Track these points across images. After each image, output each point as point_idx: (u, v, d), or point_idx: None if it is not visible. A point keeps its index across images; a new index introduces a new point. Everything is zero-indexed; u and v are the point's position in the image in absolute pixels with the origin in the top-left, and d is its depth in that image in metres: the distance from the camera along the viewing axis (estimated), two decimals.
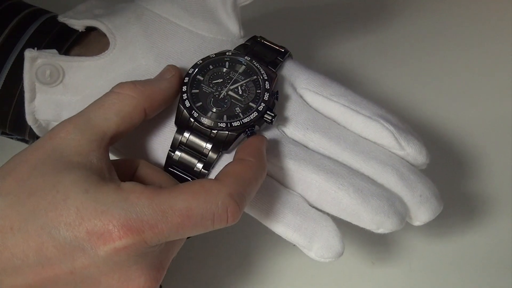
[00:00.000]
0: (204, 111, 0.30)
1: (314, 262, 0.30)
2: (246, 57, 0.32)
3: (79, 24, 0.34)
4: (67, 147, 0.26)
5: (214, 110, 0.30)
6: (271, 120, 0.30)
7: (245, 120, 0.30)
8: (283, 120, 0.32)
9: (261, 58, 0.32)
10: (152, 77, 0.31)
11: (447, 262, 0.40)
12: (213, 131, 0.30)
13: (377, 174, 0.31)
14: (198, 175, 0.30)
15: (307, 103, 0.33)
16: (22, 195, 0.24)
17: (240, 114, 0.30)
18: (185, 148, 0.30)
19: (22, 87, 0.33)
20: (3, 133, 0.36)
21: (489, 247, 0.41)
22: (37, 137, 0.35)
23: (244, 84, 0.31)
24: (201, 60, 0.31)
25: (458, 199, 0.43)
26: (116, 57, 0.33)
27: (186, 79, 0.31)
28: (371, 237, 0.37)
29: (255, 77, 0.31)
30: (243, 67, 0.31)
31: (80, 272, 0.24)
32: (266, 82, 0.31)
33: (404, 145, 0.31)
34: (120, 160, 0.29)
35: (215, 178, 0.27)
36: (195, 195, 0.25)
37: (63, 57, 0.32)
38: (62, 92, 0.33)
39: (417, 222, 0.32)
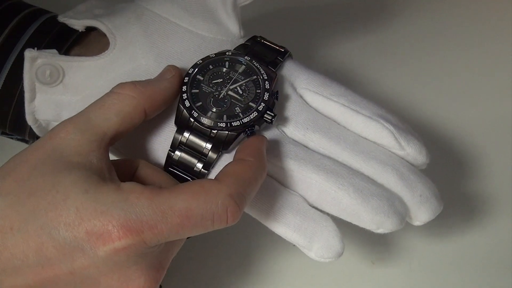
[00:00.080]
0: (204, 111, 0.30)
1: (314, 262, 0.30)
2: (246, 57, 0.32)
3: (79, 24, 0.34)
4: (67, 147, 0.26)
5: (214, 110, 0.30)
6: (271, 120, 0.30)
7: (245, 120, 0.30)
8: (283, 120, 0.32)
9: (261, 58, 0.32)
10: (152, 77, 0.31)
11: (447, 262, 0.40)
12: (213, 131, 0.30)
13: (377, 174, 0.31)
14: (198, 175, 0.30)
15: (307, 103, 0.33)
16: (22, 195, 0.24)
17: (240, 114, 0.30)
18: (185, 148, 0.30)
19: (22, 87, 0.33)
20: (3, 133, 0.36)
21: (489, 247, 0.41)
22: (37, 137, 0.35)
23: (244, 84, 0.31)
24: (201, 60, 0.31)
25: (458, 199, 0.43)
26: (116, 57, 0.33)
27: (186, 79, 0.31)
28: (371, 237, 0.37)
29: (255, 77, 0.31)
30: (243, 67, 0.31)
31: (80, 272, 0.24)
32: (266, 82, 0.31)
33: (404, 145, 0.31)
34: (120, 160, 0.29)
35: (215, 178, 0.26)
36: (195, 195, 0.25)
37: (63, 57, 0.32)
38: (62, 92, 0.33)
39: (417, 222, 0.32)
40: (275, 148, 0.31)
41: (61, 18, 0.34)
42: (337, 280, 0.39)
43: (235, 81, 0.31)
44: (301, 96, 0.33)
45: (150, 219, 0.24)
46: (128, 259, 0.24)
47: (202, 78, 0.31)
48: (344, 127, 0.32)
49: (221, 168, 0.27)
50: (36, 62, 0.32)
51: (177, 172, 0.30)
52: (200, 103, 0.30)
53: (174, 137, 0.30)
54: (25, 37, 0.34)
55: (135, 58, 0.33)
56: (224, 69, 0.31)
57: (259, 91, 0.31)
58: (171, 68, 0.31)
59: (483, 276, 0.40)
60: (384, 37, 0.52)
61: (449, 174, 0.44)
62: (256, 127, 0.30)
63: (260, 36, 0.34)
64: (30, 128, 0.34)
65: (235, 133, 0.30)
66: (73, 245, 0.23)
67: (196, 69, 0.31)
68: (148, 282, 0.25)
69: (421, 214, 0.31)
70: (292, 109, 0.32)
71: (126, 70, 0.32)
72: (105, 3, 0.37)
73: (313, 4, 0.54)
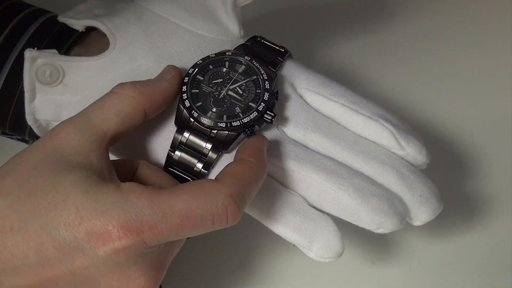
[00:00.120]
0: (204, 111, 0.30)
1: (314, 262, 0.30)
2: (246, 57, 0.32)
3: (79, 24, 0.34)
4: (67, 147, 0.26)
5: (214, 110, 0.30)
6: (271, 120, 0.30)
7: (245, 120, 0.30)
8: (283, 120, 0.32)
9: (261, 58, 0.32)
10: (152, 77, 0.31)
11: (447, 262, 0.40)
12: (213, 131, 0.30)
13: (377, 174, 0.31)
14: (198, 175, 0.30)
15: (307, 103, 0.33)
16: (22, 195, 0.24)
17: (240, 114, 0.30)
18: (185, 148, 0.30)
19: (22, 87, 0.33)
20: (3, 133, 0.36)
21: (489, 247, 0.41)
22: (37, 137, 0.35)
23: (244, 84, 0.31)
24: (201, 60, 0.31)
25: (458, 199, 0.43)
26: (116, 57, 0.33)
27: (186, 79, 0.31)
28: (371, 237, 0.37)
29: (255, 77, 0.31)
30: (243, 67, 0.31)
31: (80, 272, 0.24)
32: (266, 82, 0.31)
33: (404, 145, 0.31)
34: (120, 160, 0.29)
35: (215, 178, 0.27)
36: (195, 195, 0.25)
37: (63, 57, 0.32)
38: (62, 92, 0.33)
39: (417, 222, 0.32)
40: (275, 148, 0.31)
41: (61, 18, 0.34)
42: (337, 280, 0.39)
43: (235, 81, 0.31)
44: (301, 96, 0.33)
45: (150, 219, 0.24)
46: (128, 259, 0.24)
47: (202, 78, 0.31)
48: (344, 127, 0.32)
49: (221, 168, 0.27)
50: (36, 62, 0.32)
51: (177, 172, 0.30)
52: (200, 103, 0.30)
53: (174, 137, 0.30)
54: (25, 37, 0.34)
55: (135, 58, 0.33)
56: (224, 69, 0.31)
57: (259, 91, 0.31)
58: (171, 68, 0.31)
59: (483, 276, 0.40)
60: (384, 37, 0.52)
61: (449, 174, 0.44)
62: (256, 127, 0.30)
63: (260, 36, 0.34)
64: (30, 128, 0.34)
65: (235, 133, 0.30)
66: (73, 245, 0.23)
67: (196, 69, 0.31)
68: (148, 282, 0.25)
69: (421, 214, 0.31)
70: (292, 109, 0.32)
71: (126, 70, 0.32)
72: (105, 3, 0.37)
73: (313, 4, 0.54)
